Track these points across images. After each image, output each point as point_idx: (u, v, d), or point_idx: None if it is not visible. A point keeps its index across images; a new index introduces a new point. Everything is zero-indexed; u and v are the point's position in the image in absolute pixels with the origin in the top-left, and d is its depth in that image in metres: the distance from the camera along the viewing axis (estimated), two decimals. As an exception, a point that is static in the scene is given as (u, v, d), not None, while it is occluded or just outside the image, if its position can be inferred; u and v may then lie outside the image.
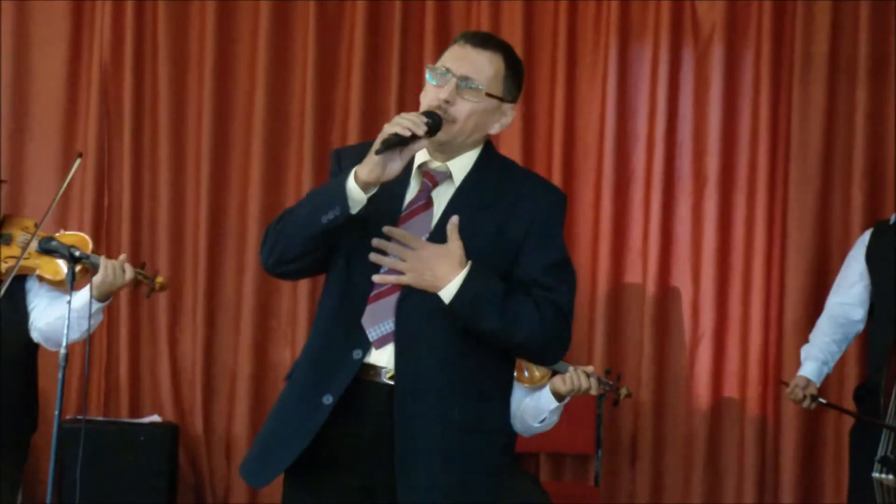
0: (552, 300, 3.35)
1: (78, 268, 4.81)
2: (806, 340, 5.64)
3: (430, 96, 3.36)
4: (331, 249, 3.38)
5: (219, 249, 6.64)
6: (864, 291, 5.49)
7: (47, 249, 4.90)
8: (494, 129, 3.43)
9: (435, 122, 3.26)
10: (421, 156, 3.38)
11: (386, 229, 3.29)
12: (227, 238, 6.64)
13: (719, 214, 6.48)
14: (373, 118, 6.57)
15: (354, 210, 3.24)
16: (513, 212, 3.36)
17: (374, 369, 3.32)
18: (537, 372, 5.10)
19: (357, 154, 3.36)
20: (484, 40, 3.39)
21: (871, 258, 5.47)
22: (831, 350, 5.46)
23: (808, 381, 5.37)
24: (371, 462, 3.32)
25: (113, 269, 4.81)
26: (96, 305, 4.81)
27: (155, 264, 6.42)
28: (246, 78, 6.66)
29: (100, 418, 6.45)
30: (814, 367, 5.42)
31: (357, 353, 3.31)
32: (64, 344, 4.69)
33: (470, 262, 3.28)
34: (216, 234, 6.58)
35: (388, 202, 3.32)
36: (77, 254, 4.85)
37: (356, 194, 3.23)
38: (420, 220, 3.36)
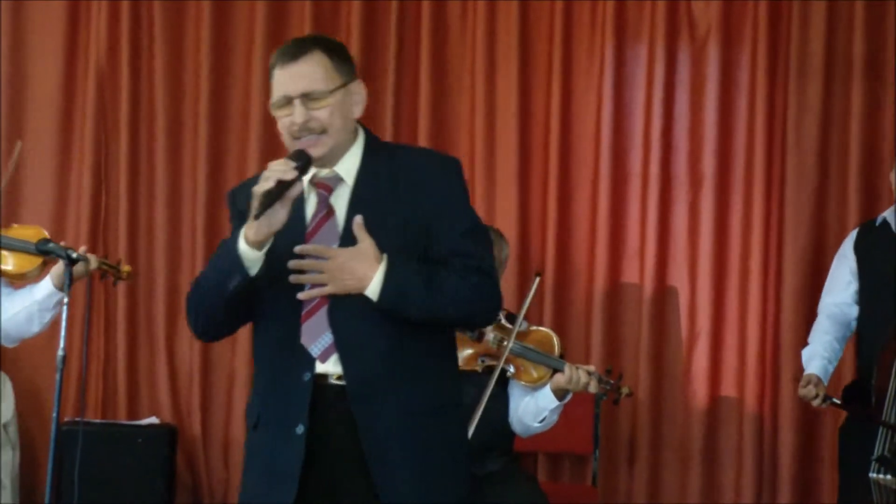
0: (474, 266, 3.41)
1: (40, 261, 4.83)
2: (803, 339, 5.66)
3: (286, 128, 3.40)
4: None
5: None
6: (851, 295, 5.52)
7: (44, 251, 4.89)
8: (357, 112, 3.47)
9: (302, 160, 3.31)
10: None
11: (297, 249, 3.32)
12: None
13: (716, 213, 6.48)
14: (368, 119, 6.48)
15: (254, 271, 3.32)
16: (413, 194, 3.40)
17: (324, 377, 3.39)
18: (535, 372, 5.11)
19: (249, 191, 3.39)
20: (296, 51, 3.41)
21: (860, 259, 5.50)
22: (834, 348, 5.47)
23: (819, 380, 5.36)
24: (345, 461, 3.39)
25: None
26: (59, 295, 4.82)
27: (152, 266, 6.44)
28: (242, 79, 6.66)
29: (98, 420, 6.45)
30: (820, 365, 5.41)
31: (306, 376, 3.38)
32: (61, 346, 4.68)
33: (385, 256, 3.33)
34: (213, 235, 6.57)
35: (292, 225, 3.35)
36: (74, 255, 4.85)
37: (250, 255, 3.30)
38: (326, 229, 3.41)
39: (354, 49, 6.53)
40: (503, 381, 5.18)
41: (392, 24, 6.59)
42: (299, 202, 3.39)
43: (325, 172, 3.43)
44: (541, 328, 5.29)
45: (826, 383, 5.37)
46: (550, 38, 6.58)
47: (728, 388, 6.47)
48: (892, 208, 5.49)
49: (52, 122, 6.67)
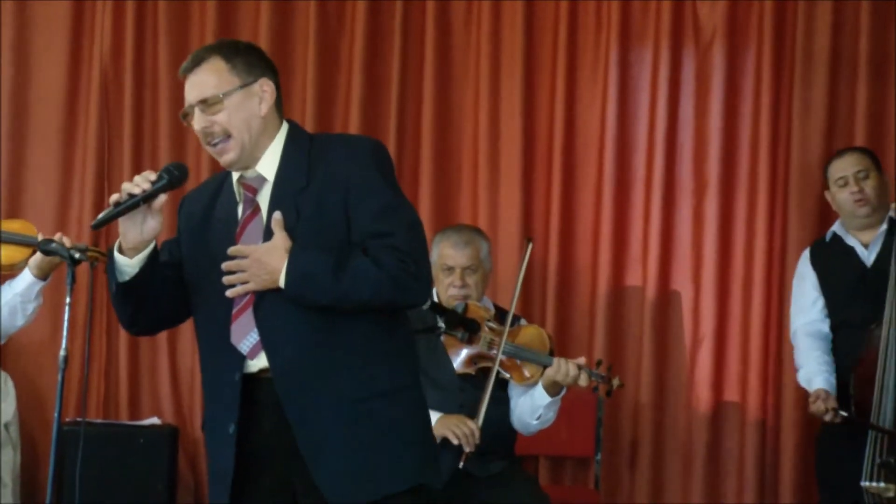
0: (389, 245, 3.42)
1: (28, 252, 4.85)
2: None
3: (199, 137, 3.50)
4: (187, 292, 3.56)
5: (218, 251, 6.63)
6: (822, 308, 5.60)
7: (47, 251, 4.89)
8: (264, 109, 3.51)
9: (171, 174, 3.40)
10: (236, 172, 3.52)
11: (229, 251, 3.39)
12: (226, 239, 6.63)
13: (720, 217, 6.47)
14: (373, 118, 6.57)
15: (125, 278, 3.42)
16: (327, 181, 3.44)
17: (256, 374, 3.45)
18: (527, 371, 5.11)
19: (196, 198, 3.60)
20: (194, 61, 3.50)
21: (820, 275, 5.62)
22: (828, 362, 5.52)
23: (829, 394, 5.38)
24: (284, 457, 3.44)
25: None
26: (40, 285, 4.84)
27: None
28: (246, 78, 6.64)
29: (99, 421, 6.44)
30: (825, 379, 5.45)
31: (236, 375, 3.45)
32: (63, 346, 4.68)
33: (290, 246, 3.37)
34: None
35: (226, 227, 3.46)
36: (77, 256, 4.85)
37: (123, 262, 3.42)
38: (253, 228, 3.47)
39: (359, 50, 6.54)
40: (503, 383, 5.19)
41: (396, 25, 6.58)
42: (232, 204, 3.49)
43: (249, 173, 3.50)
44: (530, 325, 5.29)
45: (834, 394, 5.38)
46: (555, 40, 6.58)
47: (731, 393, 6.46)
48: (838, 223, 5.69)
49: (56, 121, 6.66)
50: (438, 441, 4.58)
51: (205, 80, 3.45)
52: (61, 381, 4.64)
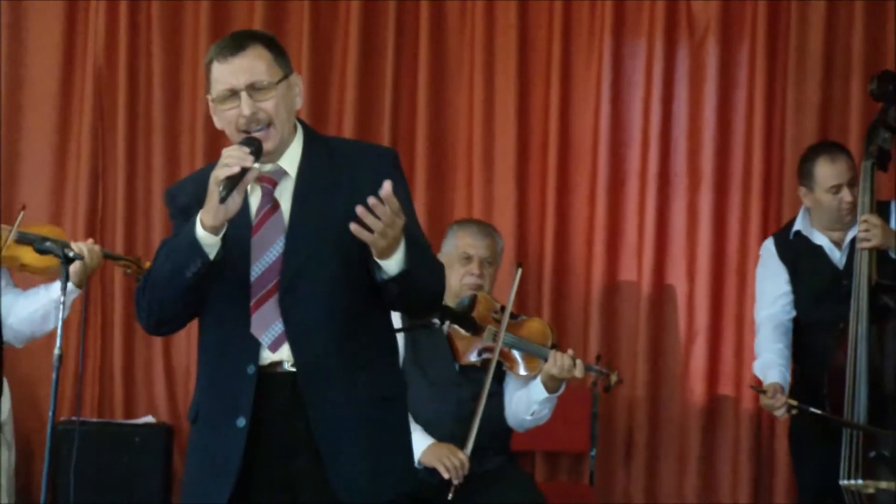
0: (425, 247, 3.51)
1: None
2: None
3: (232, 122, 3.43)
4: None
5: (213, 249, 6.63)
6: (791, 300, 5.56)
7: (41, 249, 4.92)
8: (298, 104, 3.52)
9: (255, 146, 3.34)
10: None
11: (382, 194, 3.23)
12: (221, 238, 6.63)
13: (714, 212, 6.47)
14: (368, 118, 6.57)
15: (213, 255, 3.33)
16: (354, 185, 3.42)
17: (274, 365, 3.42)
18: (528, 363, 5.13)
19: (189, 190, 3.50)
20: (237, 44, 3.45)
21: (791, 270, 5.58)
22: (786, 356, 5.48)
23: (781, 388, 5.34)
24: (292, 453, 3.42)
25: (90, 253, 4.89)
26: (77, 293, 4.87)
27: (145, 258, 6.43)
28: (239, 78, 6.64)
29: (94, 419, 6.43)
30: (780, 373, 5.40)
31: (251, 368, 3.41)
32: (58, 345, 4.70)
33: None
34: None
35: (237, 218, 3.37)
36: (70, 254, 4.88)
37: (209, 241, 3.32)
38: (273, 223, 3.44)
39: (353, 49, 6.54)
40: (499, 378, 5.20)
41: (391, 24, 6.57)
42: (244, 195, 3.42)
43: (268, 167, 3.47)
44: (533, 318, 5.32)
45: (786, 391, 5.37)
46: (549, 37, 6.57)
47: (726, 387, 6.46)
48: (800, 219, 5.61)
49: (50, 120, 6.65)
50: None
51: (254, 66, 3.41)
52: (56, 379, 4.67)
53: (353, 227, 3.23)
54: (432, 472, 4.92)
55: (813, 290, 5.52)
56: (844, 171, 5.48)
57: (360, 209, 3.21)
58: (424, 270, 3.41)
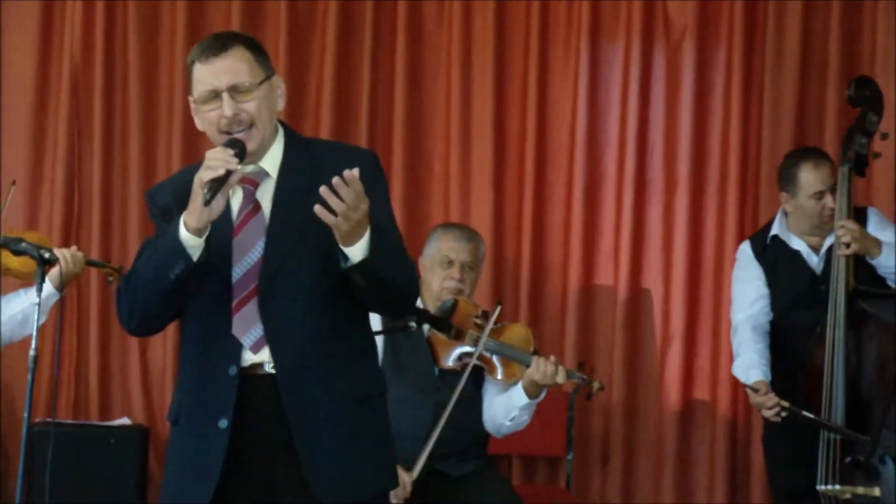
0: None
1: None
2: None
3: (214, 123, 3.43)
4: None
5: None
6: (769, 303, 5.57)
7: (17, 251, 4.91)
8: (280, 105, 3.53)
9: (239, 148, 3.34)
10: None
11: (345, 174, 3.23)
12: (197, 238, 6.62)
13: (690, 215, 6.50)
14: (344, 118, 6.57)
15: (196, 257, 3.33)
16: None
17: (254, 366, 3.42)
18: (509, 369, 5.13)
19: (170, 190, 3.51)
20: (220, 45, 3.45)
21: (769, 273, 5.59)
22: (767, 356, 5.47)
23: (769, 387, 5.34)
24: (272, 453, 3.42)
25: (73, 258, 4.89)
26: (57, 296, 4.87)
27: (125, 263, 6.36)
28: (217, 78, 6.62)
29: (69, 421, 6.42)
30: (763, 372, 5.39)
31: (232, 370, 3.42)
32: (33, 346, 4.69)
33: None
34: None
35: (218, 219, 3.36)
36: (46, 255, 4.87)
37: (192, 242, 3.32)
38: (254, 224, 3.45)
39: (330, 50, 6.54)
40: (478, 383, 5.19)
41: (367, 25, 6.57)
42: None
43: (250, 168, 3.47)
44: (515, 324, 5.31)
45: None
46: (526, 39, 6.58)
47: (701, 391, 6.48)
48: (777, 224, 5.62)
49: (26, 118, 6.62)
50: None
51: (237, 67, 3.42)
52: (31, 381, 4.65)
53: (317, 208, 3.23)
54: None
55: (790, 295, 5.53)
56: (828, 177, 5.48)
57: (323, 189, 3.21)
58: (391, 264, 3.40)
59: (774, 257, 5.58)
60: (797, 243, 5.56)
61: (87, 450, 6.13)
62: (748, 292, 5.60)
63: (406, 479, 4.88)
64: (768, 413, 5.29)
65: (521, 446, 6.19)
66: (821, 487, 5.17)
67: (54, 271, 4.95)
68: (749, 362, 5.44)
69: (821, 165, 5.51)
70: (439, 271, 5.27)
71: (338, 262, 3.35)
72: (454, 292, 5.26)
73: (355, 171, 3.22)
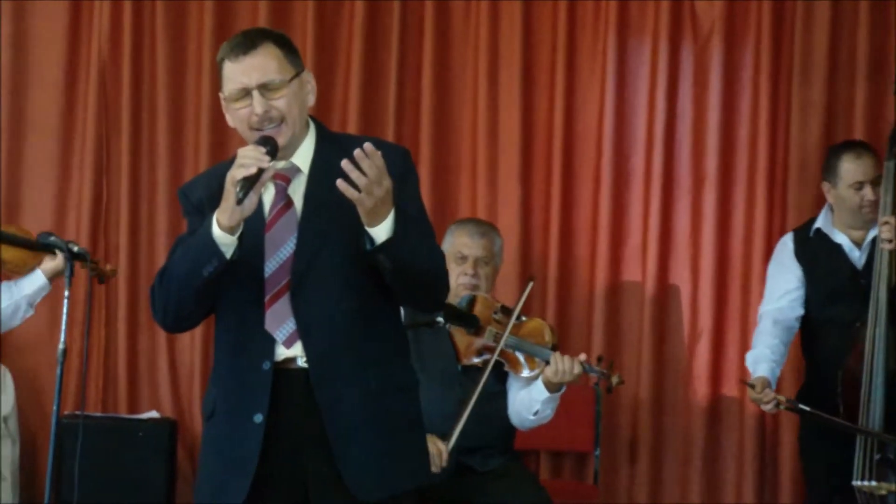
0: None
1: (36, 259, 4.93)
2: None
3: (244, 120, 3.45)
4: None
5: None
6: (800, 297, 5.55)
7: (46, 244, 4.94)
8: (311, 101, 3.55)
9: (270, 146, 3.36)
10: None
11: (365, 146, 3.26)
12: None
13: (718, 212, 6.48)
14: (372, 118, 6.58)
15: (230, 254, 3.35)
16: None
17: (287, 361, 3.44)
18: (528, 365, 5.12)
19: (203, 186, 3.53)
20: (249, 43, 3.46)
21: (807, 269, 5.57)
22: (781, 352, 5.48)
23: (768, 382, 5.33)
24: (305, 448, 3.43)
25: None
26: (48, 289, 4.91)
27: (153, 260, 6.45)
28: (244, 76, 6.64)
29: (98, 414, 6.44)
30: (769, 368, 5.39)
31: (266, 364, 3.43)
32: (62, 340, 4.72)
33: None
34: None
35: (251, 215, 3.37)
36: (76, 249, 4.89)
37: (225, 240, 3.34)
38: (285, 220, 3.47)
39: (357, 49, 6.54)
40: (503, 378, 5.19)
41: (395, 24, 6.58)
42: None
43: (282, 163, 3.48)
44: (533, 318, 5.30)
45: (774, 386, 5.36)
46: (554, 37, 6.58)
47: (729, 387, 6.46)
48: (822, 217, 5.61)
49: (54, 118, 6.65)
50: None
51: (266, 65, 3.42)
52: (60, 374, 4.68)
53: (340, 182, 3.24)
54: None
55: (828, 289, 5.52)
56: (870, 169, 5.49)
57: (345, 163, 3.22)
58: (417, 249, 3.40)
59: (815, 251, 5.57)
60: (840, 237, 5.55)
61: (115, 443, 6.15)
62: (779, 286, 5.59)
63: (442, 447, 4.86)
64: (766, 408, 5.31)
65: (549, 441, 6.19)
66: (857, 483, 5.16)
67: (48, 264, 4.97)
68: (759, 356, 5.45)
69: (863, 157, 5.53)
70: (454, 267, 5.27)
71: (364, 247, 3.35)
72: (469, 288, 5.26)
73: (370, 144, 3.24)
